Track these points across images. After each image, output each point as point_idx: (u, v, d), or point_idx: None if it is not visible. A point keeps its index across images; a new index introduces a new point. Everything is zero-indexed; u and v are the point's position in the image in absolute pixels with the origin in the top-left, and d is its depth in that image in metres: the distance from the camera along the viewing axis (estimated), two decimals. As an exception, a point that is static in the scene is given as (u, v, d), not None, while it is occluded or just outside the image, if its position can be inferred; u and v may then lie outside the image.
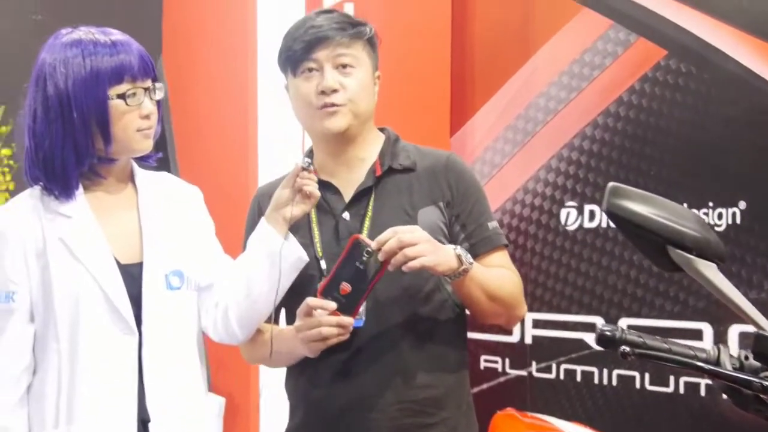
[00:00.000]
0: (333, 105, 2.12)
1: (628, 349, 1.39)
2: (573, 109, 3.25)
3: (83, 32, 2.03)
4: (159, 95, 2.05)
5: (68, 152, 1.98)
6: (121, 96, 1.98)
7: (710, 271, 1.39)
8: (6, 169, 3.80)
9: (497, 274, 2.14)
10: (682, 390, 2.92)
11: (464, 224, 2.16)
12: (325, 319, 1.99)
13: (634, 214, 1.43)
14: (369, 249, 1.96)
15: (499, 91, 3.52)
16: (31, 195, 2.05)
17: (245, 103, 4.02)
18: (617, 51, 3.10)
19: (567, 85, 3.26)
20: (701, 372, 1.36)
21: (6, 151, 3.88)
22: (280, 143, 4.01)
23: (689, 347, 1.44)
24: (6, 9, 4.58)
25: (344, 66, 2.13)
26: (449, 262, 2.00)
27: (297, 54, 2.15)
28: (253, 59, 4.07)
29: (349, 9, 3.47)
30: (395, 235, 1.95)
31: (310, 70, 2.14)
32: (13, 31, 4.58)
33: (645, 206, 1.44)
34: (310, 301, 2.01)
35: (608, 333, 1.44)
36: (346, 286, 1.98)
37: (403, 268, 1.95)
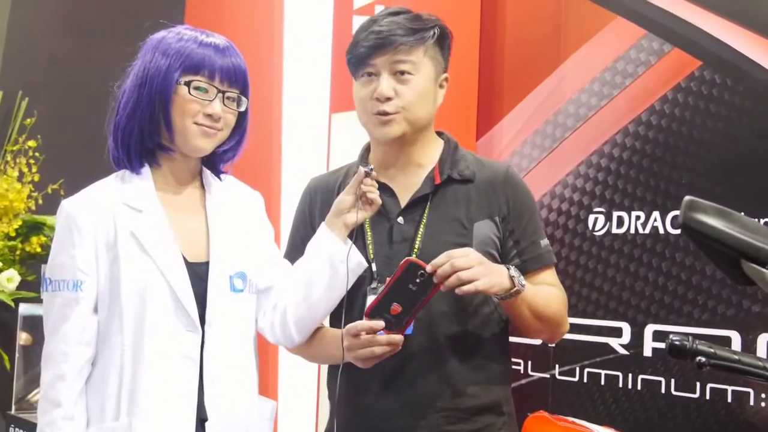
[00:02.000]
0: (386, 113, 2.14)
1: (704, 359, 1.42)
2: (603, 117, 3.28)
3: (192, 30, 2.09)
4: (241, 107, 2.09)
5: (134, 125, 2.05)
6: (188, 84, 2.02)
7: (783, 284, 1.42)
8: (32, 161, 3.81)
9: (546, 294, 2.16)
10: (708, 396, 2.95)
11: (517, 240, 2.18)
12: (377, 340, 1.99)
13: (709, 228, 1.46)
14: (423, 272, 1.97)
15: (527, 96, 3.54)
16: (108, 184, 2.09)
17: (271, 75, 4.04)
18: (650, 60, 3.13)
19: (598, 93, 3.29)
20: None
21: (31, 143, 3.89)
22: (304, 137, 4.04)
23: (756, 357, 1.47)
24: (27, 4, 4.60)
25: (402, 72, 2.15)
26: (502, 284, 2.02)
27: (357, 58, 2.17)
28: (279, 54, 4.09)
29: (379, 11, 3.50)
30: (449, 259, 1.96)
31: (369, 74, 2.16)
32: (34, 27, 4.60)
33: (720, 220, 1.46)
34: (359, 325, 2.01)
35: (679, 343, 1.48)
36: (396, 307, 1.99)
37: (457, 291, 1.96)
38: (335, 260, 2.10)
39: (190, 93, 2.02)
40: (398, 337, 2.00)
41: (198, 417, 2.02)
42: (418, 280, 1.97)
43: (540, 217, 2.27)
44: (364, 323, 2.00)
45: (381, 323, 1.99)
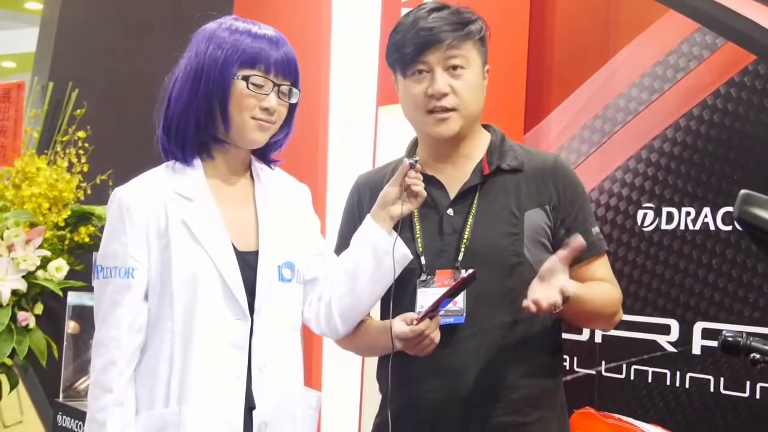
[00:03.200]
0: (443, 110, 2.13)
1: (758, 356, 1.40)
2: (654, 111, 3.24)
3: (244, 22, 2.09)
4: (293, 99, 2.10)
5: (189, 118, 2.05)
6: (246, 79, 2.02)
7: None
8: (81, 152, 3.84)
9: (597, 293, 2.13)
10: (758, 395, 2.91)
11: (569, 229, 2.16)
12: (435, 334, 2.00)
13: (765, 222, 1.43)
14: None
15: (576, 90, 3.52)
16: (159, 174, 2.11)
17: (318, 69, 4.04)
18: (703, 54, 3.09)
19: (649, 87, 3.25)
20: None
21: (81, 134, 3.92)
22: (351, 130, 4.04)
23: (812, 356, 1.45)
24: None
25: (454, 68, 2.13)
26: (552, 298, 1.96)
27: (407, 56, 2.14)
28: (327, 47, 4.09)
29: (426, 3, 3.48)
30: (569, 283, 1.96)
31: (420, 72, 2.14)
32: (85, 18, 4.64)
33: (776, 215, 1.43)
34: (410, 333, 1.99)
35: (732, 339, 1.46)
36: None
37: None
38: (380, 252, 2.09)
39: (248, 88, 2.03)
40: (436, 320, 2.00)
41: (246, 405, 2.03)
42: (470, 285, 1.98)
43: (590, 205, 2.25)
44: (417, 328, 1.99)
45: (432, 322, 1.99)
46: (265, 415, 2.04)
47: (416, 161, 2.08)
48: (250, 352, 2.04)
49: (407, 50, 2.14)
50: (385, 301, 2.19)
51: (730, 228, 2.98)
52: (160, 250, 2.02)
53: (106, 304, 2.03)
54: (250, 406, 2.03)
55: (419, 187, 2.08)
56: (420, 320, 1.98)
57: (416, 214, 2.19)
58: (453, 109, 2.13)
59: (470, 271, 1.99)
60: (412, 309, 2.09)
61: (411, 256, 2.11)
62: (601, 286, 2.17)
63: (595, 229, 2.19)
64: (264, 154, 2.19)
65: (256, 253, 2.08)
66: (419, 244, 2.16)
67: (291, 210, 2.19)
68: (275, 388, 2.07)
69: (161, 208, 2.04)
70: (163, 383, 2.01)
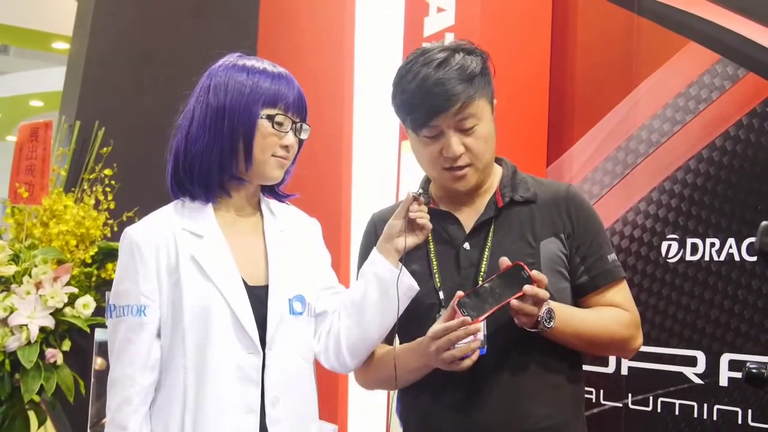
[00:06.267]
0: (460, 167, 2.14)
1: (782, 388, 1.40)
2: (677, 142, 3.24)
3: (253, 60, 2.14)
4: (304, 135, 2.14)
5: (214, 158, 2.08)
6: (270, 118, 2.06)
7: None
8: (108, 189, 3.89)
9: (599, 320, 2.14)
10: (787, 427, 2.89)
11: (584, 257, 2.17)
12: (455, 335, 2.00)
13: (787, 253, 1.43)
14: (524, 273, 1.98)
15: (598, 123, 3.52)
16: (169, 212, 2.14)
17: (342, 103, 4.07)
18: (725, 85, 3.10)
19: (671, 118, 3.26)
20: None
21: (107, 171, 3.96)
22: (374, 164, 4.06)
23: (838, 387, 1.44)
24: (104, 36, 4.71)
25: (467, 127, 2.12)
26: (529, 309, 2.01)
27: (419, 120, 2.13)
28: (350, 82, 4.12)
29: (449, 39, 3.50)
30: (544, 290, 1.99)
31: (432, 135, 2.14)
32: (112, 57, 4.71)
33: (798, 246, 1.43)
34: (444, 326, 2.02)
35: (756, 371, 1.46)
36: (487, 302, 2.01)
37: (516, 307, 1.98)
38: (386, 284, 2.11)
39: (273, 127, 2.07)
40: (474, 326, 1.99)
41: None
42: (513, 282, 1.98)
43: (605, 232, 2.25)
44: (444, 324, 2.01)
45: (469, 320, 1.99)
46: None
47: (420, 194, 2.10)
48: (263, 386, 2.05)
49: (417, 114, 2.13)
50: (404, 335, 2.19)
51: (755, 258, 2.97)
52: (171, 287, 2.05)
53: (120, 342, 2.06)
54: None
55: (424, 219, 2.10)
56: (461, 297, 2.00)
57: (432, 249, 2.20)
58: (468, 165, 2.14)
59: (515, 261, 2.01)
60: None
61: (417, 288, 2.13)
62: (607, 310, 2.17)
63: (611, 256, 2.19)
64: (272, 188, 2.23)
65: (266, 287, 2.11)
66: (437, 279, 2.17)
67: (301, 244, 2.22)
68: (289, 421, 2.08)
69: (171, 246, 2.07)
70: (177, 420, 2.03)
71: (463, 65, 2.13)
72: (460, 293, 2.02)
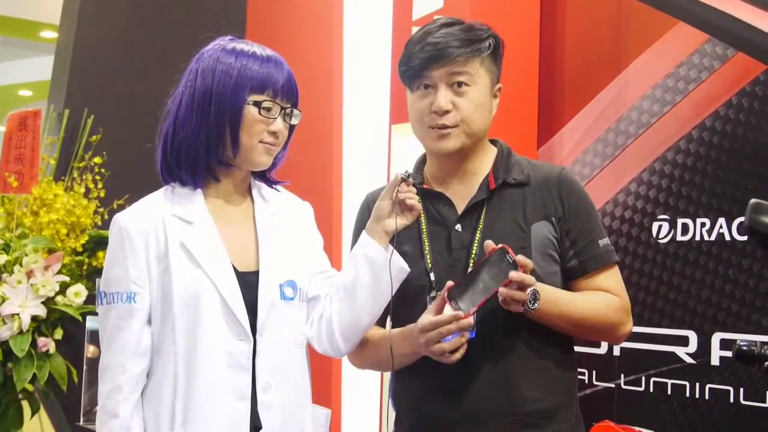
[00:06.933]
0: (445, 126, 2.14)
1: (772, 365, 1.40)
2: (667, 123, 3.24)
3: (243, 43, 2.11)
4: (294, 121, 2.12)
5: (200, 144, 2.06)
6: (257, 104, 2.04)
7: None
8: (98, 177, 3.87)
9: (586, 303, 2.14)
10: (779, 405, 2.90)
11: (574, 240, 2.16)
12: (446, 329, 1.99)
13: (777, 231, 1.43)
14: (509, 258, 1.96)
15: (588, 104, 3.53)
16: (158, 198, 2.13)
17: (331, 86, 4.06)
18: (714, 65, 3.10)
19: (661, 99, 3.26)
20: None
21: (97, 160, 3.95)
22: (365, 148, 4.06)
23: (828, 364, 1.45)
24: (92, 23, 4.68)
25: (459, 84, 2.13)
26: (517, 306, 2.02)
27: (413, 70, 2.16)
28: (339, 66, 4.11)
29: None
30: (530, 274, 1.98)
31: (426, 86, 2.15)
32: (99, 45, 4.68)
33: (788, 223, 1.43)
34: (432, 319, 2.01)
35: (747, 348, 1.46)
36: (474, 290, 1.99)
37: (504, 294, 1.97)
38: (377, 267, 2.10)
39: (260, 113, 2.05)
40: (466, 321, 1.99)
41: (252, 425, 2.04)
42: (500, 268, 1.97)
43: (598, 217, 2.24)
44: (435, 318, 2.00)
45: (460, 314, 1.98)
46: None
47: (408, 175, 2.09)
48: (254, 373, 2.05)
49: (413, 64, 2.15)
50: (396, 316, 2.20)
51: (745, 238, 2.98)
52: (161, 274, 2.04)
53: (110, 329, 2.05)
54: (256, 426, 2.04)
55: (413, 200, 2.09)
56: (449, 289, 1.99)
57: (425, 230, 2.20)
58: (454, 126, 2.14)
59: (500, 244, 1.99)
60: None
61: (408, 270, 2.12)
62: (595, 294, 2.16)
63: (603, 241, 2.18)
64: (262, 173, 2.21)
65: (257, 273, 2.09)
66: (428, 260, 2.17)
67: (292, 228, 2.20)
68: (281, 407, 2.07)
69: (161, 232, 2.06)
70: (167, 406, 2.02)
71: (470, 27, 2.17)
72: (450, 283, 2.01)
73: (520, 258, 1.97)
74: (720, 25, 3.07)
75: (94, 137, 4.13)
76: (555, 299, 2.08)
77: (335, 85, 4.10)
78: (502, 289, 1.96)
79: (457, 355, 2.02)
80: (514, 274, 1.95)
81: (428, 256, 2.18)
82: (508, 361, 2.12)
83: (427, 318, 2.03)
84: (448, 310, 2.01)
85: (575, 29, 3.62)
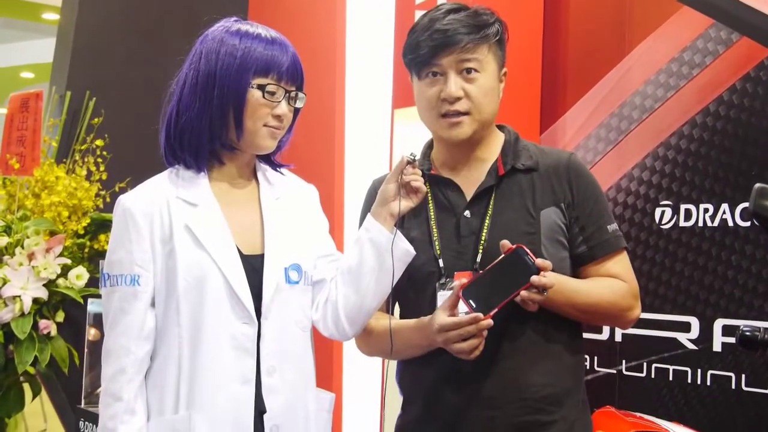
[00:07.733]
0: (457, 113, 2.12)
1: (776, 351, 1.40)
2: (670, 108, 3.23)
3: (248, 24, 2.09)
4: (299, 104, 2.10)
5: (204, 127, 2.04)
6: (261, 88, 2.02)
7: None
8: (100, 160, 3.86)
9: (593, 289, 2.13)
10: (780, 391, 2.90)
11: (583, 227, 2.15)
12: (466, 330, 1.98)
13: (781, 216, 1.42)
14: (528, 259, 1.94)
15: (592, 89, 3.52)
16: (163, 180, 2.11)
17: (334, 70, 4.04)
18: (718, 50, 3.08)
19: (664, 84, 3.25)
20: None
21: (99, 142, 3.94)
22: (367, 133, 4.04)
23: (832, 350, 1.44)
24: (94, 5, 4.66)
25: (468, 71, 2.12)
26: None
27: (421, 58, 2.14)
28: (342, 50, 4.10)
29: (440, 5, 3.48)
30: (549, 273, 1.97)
31: (434, 74, 2.14)
32: (101, 27, 4.67)
33: (792, 208, 1.43)
34: (450, 321, 1.99)
35: (750, 334, 1.45)
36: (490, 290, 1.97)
37: (525, 297, 1.96)
38: (381, 249, 2.09)
39: (264, 97, 2.03)
40: (486, 322, 1.97)
41: (256, 409, 2.03)
42: (518, 268, 1.95)
43: (606, 202, 2.24)
44: (455, 319, 1.99)
45: (479, 315, 1.96)
46: (276, 418, 2.03)
47: (414, 157, 2.08)
48: (259, 356, 2.04)
49: (421, 52, 2.13)
50: (404, 303, 2.20)
51: (748, 224, 2.97)
52: (165, 257, 2.03)
53: (114, 312, 2.04)
54: (260, 410, 2.03)
55: (419, 182, 2.08)
56: (463, 288, 1.97)
57: (433, 217, 2.19)
58: (466, 113, 2.13)
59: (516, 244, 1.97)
60: (432, 312, 2.07)
61: (413, 252, 2.11)
62: (603, 280, 2.16)
63: (611, 227, 2.18)
64: (267, 156, 2.19)
65: (261, 256, 2.08)
66: (437, 247, 2.16)
67: (297, 211, 2.19)
68: (285, 391, 2.06)
69: (165, 214, 2.04)
70: (172, 389, 2.01)
71: (475, 13, 2.15)
72: (462, 281, 2.00)
73: (540, 261, 1.95)
74: (724, 9, 3.05)
75: (96, 120, 4.11)
76: (564, 287, 2.08)
77: (338, 69, 4.08)
78: (523, 293, 1.95)
79: (476, 353, 2.01)
80: (535, 279, 1.93)
81: (437, 243, 2.17)
82: (517, 348, 2.11)
83: (443, 317, 2.01)
84: (463, 308, 1.99)
85: (578, 14, 3.61)
